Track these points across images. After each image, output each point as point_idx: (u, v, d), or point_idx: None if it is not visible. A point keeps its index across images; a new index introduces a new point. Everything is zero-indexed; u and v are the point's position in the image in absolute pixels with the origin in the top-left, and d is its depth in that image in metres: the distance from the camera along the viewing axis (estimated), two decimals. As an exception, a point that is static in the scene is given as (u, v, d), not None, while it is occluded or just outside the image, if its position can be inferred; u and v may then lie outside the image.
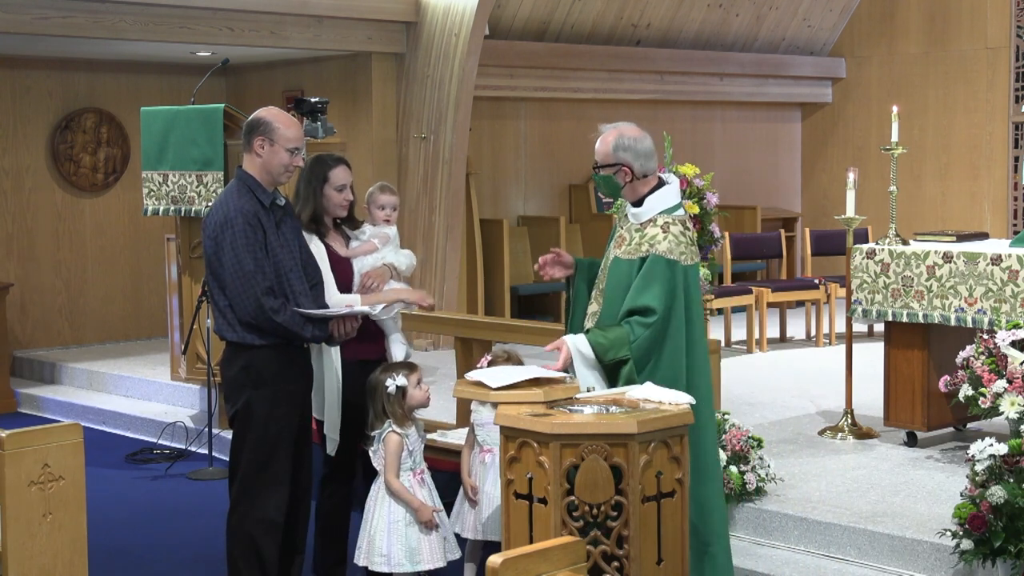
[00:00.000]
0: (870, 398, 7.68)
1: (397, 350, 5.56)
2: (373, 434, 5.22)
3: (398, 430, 5.19)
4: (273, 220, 5.13)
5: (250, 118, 5.19)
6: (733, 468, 5.85)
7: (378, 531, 5.16)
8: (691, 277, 4.84)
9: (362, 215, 5.83)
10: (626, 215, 4.98)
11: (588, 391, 4.59)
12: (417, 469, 5.29)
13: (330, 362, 5.41)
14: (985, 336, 5.98)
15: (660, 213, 4.88)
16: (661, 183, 4.97)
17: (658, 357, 4.69)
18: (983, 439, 5.20)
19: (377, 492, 5.24)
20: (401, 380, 5.19)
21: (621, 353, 4.64)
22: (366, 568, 5.29)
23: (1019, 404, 5.67)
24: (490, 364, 5.38)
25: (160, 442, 8.67)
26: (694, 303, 4.87)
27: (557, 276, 5.14)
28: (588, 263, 5.19)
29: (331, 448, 5.48)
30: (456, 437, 6.34)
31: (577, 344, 4.71)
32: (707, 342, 5.05)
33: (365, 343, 5.47)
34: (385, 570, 5.17)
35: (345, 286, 5.45)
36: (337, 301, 5.32)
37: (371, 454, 5.25)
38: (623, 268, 4.82)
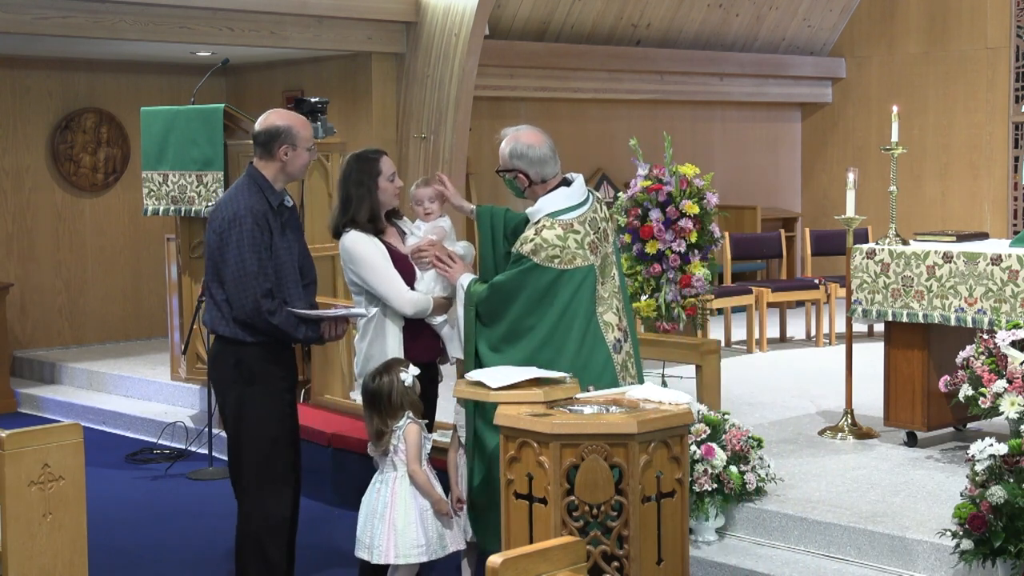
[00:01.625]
0: (870, 398, 7.67)
1: (454, 348, 5.56)
2: (395, 428, 5.20)
3: (417, 420, 5.21)
4: (279, 222, 5.13)
5: (266, 127, 5.15)
6: (733, 468, 5.84)
7: (409, 524, 5.15)
8: (566, 280, 4.96)
9: (410, 217, 5.80)
10: None
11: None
12: (427, 459, 5.30)
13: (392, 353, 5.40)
14: (985, 336, 5.98)
15: (546, 215, 5.06)
16: (565, 183, 5.03)
17: (499, 327, 5.03)
18: (983, 439, 5.20)
19: (394, 487, 5.20)
20: (413, 369, 5.20)
21: (472, 304, 5.14)
22: (387, 567, 5.27)
23: (1019, 404, 5.67)
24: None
25: (160, 442, 8.67)
26: (568, 301, 4.98)
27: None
28: (490, 212, 5.40)
29: None
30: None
31: (466, 281, 5.22)
32: (580, 344, 5.05)
33: (424, 347, 5.48)
34: (424, 559, 5.17)
35: (407, 283, 5.41)
36: (415, 299, 5.32)
37: (391, 449, 5.22)
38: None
